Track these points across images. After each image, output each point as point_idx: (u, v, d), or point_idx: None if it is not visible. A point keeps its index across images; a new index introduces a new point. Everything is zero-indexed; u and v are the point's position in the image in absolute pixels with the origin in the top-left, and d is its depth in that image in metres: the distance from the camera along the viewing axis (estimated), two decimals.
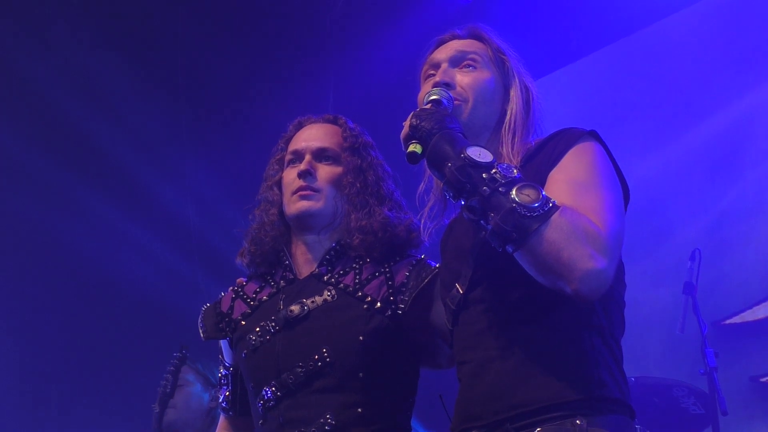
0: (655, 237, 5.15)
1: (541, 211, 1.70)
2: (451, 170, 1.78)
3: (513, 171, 1.78)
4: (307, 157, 2.35)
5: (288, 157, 2.40)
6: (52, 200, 5.31)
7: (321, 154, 2.36)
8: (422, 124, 1.87)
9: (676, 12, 5.47)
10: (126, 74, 5.42)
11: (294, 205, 2.31)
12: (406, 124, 1.90)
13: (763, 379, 4.69)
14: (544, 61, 5.71)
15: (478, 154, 1.80)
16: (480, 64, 2.09)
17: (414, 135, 1.87)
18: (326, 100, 5.60)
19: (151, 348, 5.17)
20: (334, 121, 2.45)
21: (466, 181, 1.77)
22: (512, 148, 2.00)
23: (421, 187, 2.18)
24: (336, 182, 2.33)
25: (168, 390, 3.59)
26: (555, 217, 1.70)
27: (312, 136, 2.40)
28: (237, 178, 5.25)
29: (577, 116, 5.06)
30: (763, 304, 4.78)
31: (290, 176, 2.35)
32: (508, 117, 2.05)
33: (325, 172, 2.34)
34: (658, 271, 5.05)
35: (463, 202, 1.79)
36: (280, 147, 2.47)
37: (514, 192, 1.72)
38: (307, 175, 2.31)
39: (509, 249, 1.73)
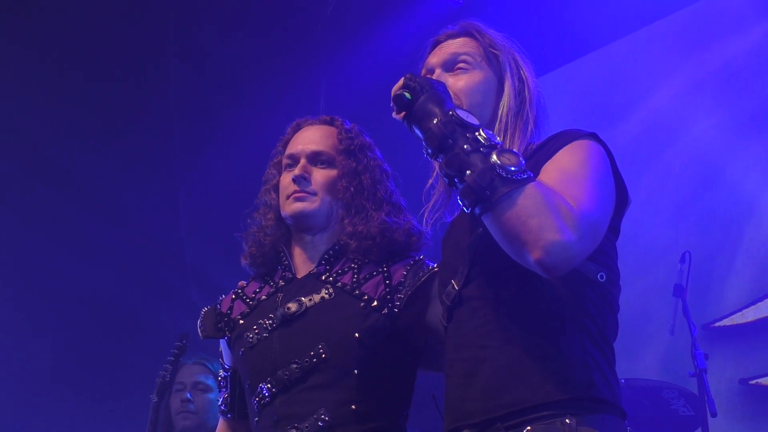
0: (646, 239, 5.16)
1: (518, 177, 1.71)
2: (437, 125, 1.80)
3: (497, 138, 1.81)
4: (302, 161, 2.36)
5: (285, 160, 2.41)
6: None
7: (316, 158, 2.37)
8: (417, 79, 1.90)
9: (664, 17, 5.49)
10: (111, 84, 5.40)
11: (289, 207, 2.33)
12: (398, 83, 1.91)
13: (753, 382, 4.71)
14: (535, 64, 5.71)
15: (466, 116, 1.83)
16: (472, 64, 2.10)
17: (407, 86, 1.89)
18: (317, 103, 5.60)
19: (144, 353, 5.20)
20: (330, 123, 2.45)
21: (449, 135, 1.78)
22: (510, 143, 2.01)
23: (430, 182, 2.19)
24: (331, 186, 2.34)
25: (167, 379, 3.54)
26: (529, 186, 1.72)
27: (307, 139, 2.40)
28: (228, 184, 5.25)
29: (570, 118, 5.07)
30: (753, 306, 4.80)
31: (286, 180, 2.37)
32: (500, 112, 2.06)
33: (320, 175, 2.35)
34: (648, 273, 5.06)
35: (440, 159, 1.80)
36: (278, 150, 2.48)
37: (494, 155, 1.74)
38: (301, 180, 2.32)
39: (477, 210, 1.74)
